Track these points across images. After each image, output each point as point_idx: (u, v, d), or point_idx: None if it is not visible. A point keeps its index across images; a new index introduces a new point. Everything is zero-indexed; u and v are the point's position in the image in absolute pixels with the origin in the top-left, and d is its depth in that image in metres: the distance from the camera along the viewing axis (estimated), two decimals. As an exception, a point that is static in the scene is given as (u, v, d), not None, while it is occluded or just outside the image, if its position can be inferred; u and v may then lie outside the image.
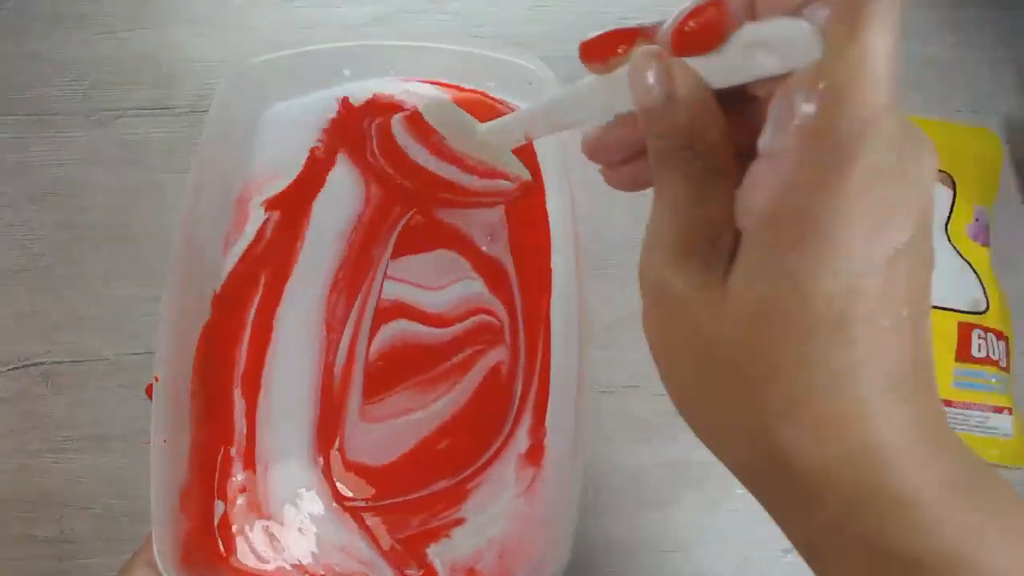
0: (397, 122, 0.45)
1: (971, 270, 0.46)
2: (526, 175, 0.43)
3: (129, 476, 0.43)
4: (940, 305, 0.45)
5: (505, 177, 0.44)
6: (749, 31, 0.19)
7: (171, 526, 0.36)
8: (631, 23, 0.24)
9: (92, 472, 0.43)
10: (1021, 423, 0.45)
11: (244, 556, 0.39)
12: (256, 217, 0.44)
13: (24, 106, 0.49)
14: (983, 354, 0.45)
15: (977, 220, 0.48)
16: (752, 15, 0.19)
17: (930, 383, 0.19)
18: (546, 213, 0.44)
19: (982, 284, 0.46)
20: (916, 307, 0.18)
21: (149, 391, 0.37)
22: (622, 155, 0.25)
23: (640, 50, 0.22)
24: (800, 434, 0.18)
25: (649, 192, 0.24)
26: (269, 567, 0.39)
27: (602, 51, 0.24)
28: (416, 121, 0.44)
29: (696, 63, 0.20)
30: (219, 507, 0.39)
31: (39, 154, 0.48)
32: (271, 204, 0.44)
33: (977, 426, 0.44)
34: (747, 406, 0.19)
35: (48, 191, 0.48)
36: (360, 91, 0.45)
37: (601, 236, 0.48)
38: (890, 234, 0.17)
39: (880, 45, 0.16)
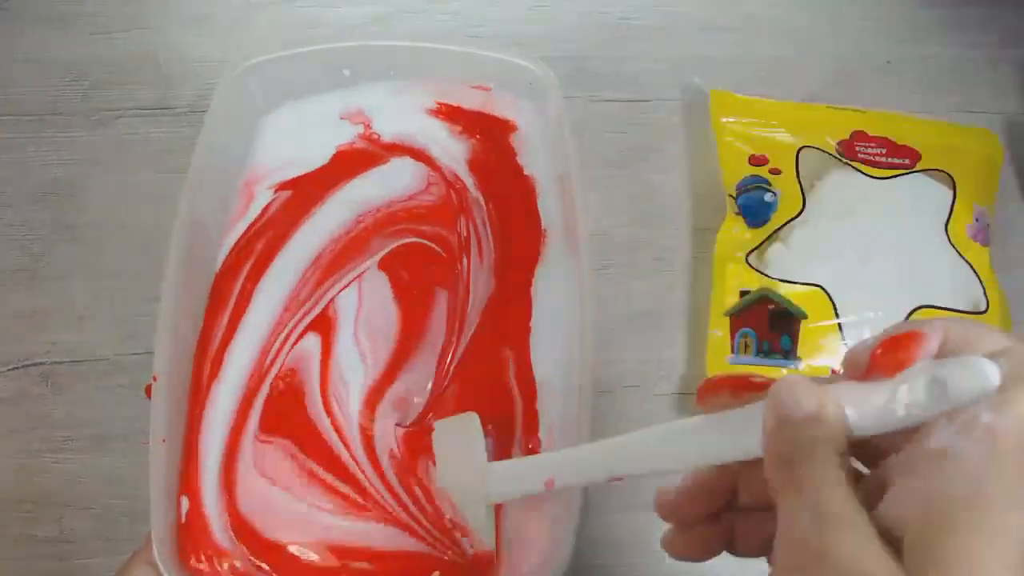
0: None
1: (971, 270, 0.46)
2: (488, 546, 0.36)
3: (129, 476, 0.43)
4: (940, 305, 0.45)
5: (464, 534, 0.38)
6: (931, 367, 0.20)
7: (171, 526, 0.36)
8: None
9: (92, 472, 0.43)
10: (1021, 423, 0.45)
11: (245, 555, 0.39)
12: (259, 203, 0.44)
13: (24, 106, 0.49)
14: (983, 354, 0.45)
15: (977, 220, 0.48)
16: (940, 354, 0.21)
17: None
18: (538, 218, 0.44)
19: (982, 284, 0.46)
20: None
21: (149, 391, 0.37)
22: (708, 510, 0.24)
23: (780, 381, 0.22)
24: None
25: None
26: (266, 565, 0.39)
27: (726, 388, 0.25)
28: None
29: (853, 393, 0.21)
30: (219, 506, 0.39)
31: (39, 154, 0.48)
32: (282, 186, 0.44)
33: (977, 426, 0.44)
34: None
35: (48, 191, 0.48)
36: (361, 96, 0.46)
37: (601, 236, 0.48)
38: None
39: None
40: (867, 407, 0.21)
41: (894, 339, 0.21)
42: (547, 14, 0.53)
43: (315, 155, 0.45)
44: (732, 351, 0.45)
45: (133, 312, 0.45)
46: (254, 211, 0.44)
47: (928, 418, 0.20)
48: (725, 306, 0.45)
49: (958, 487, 0.18)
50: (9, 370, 0.45)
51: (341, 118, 0.46)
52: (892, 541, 0.19)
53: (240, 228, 0.44)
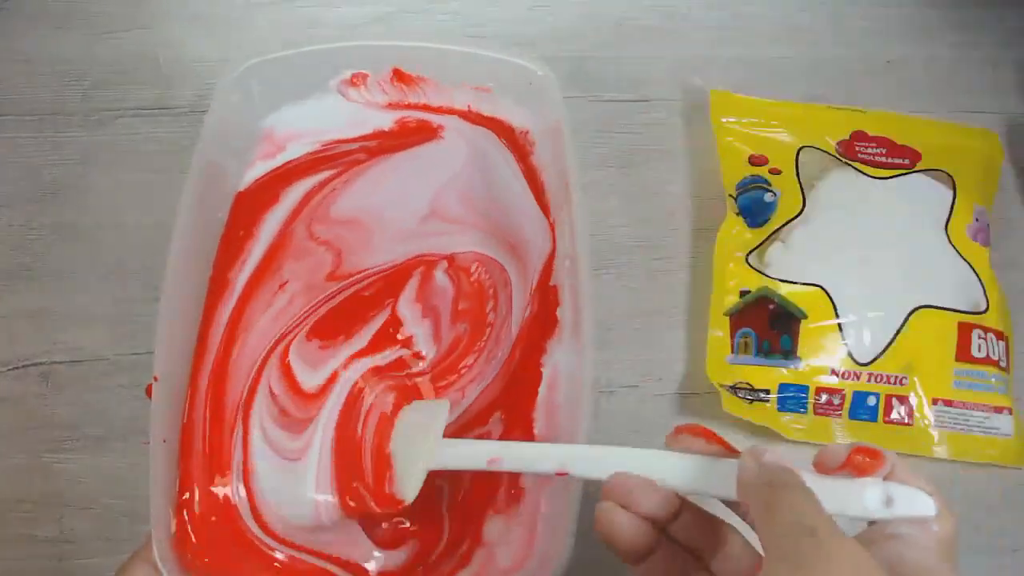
0: None
1: (971, 270, 0.46)
2: (404, 497, 0.35)
3: (129, 476, 0.43)
4: (940, 305, 0.45)
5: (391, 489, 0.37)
6: (890, 489, 0.27)
7: (171, 526, 0.36)
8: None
9: (92, 472, 0.43)
10: (1021, 423, 0.45)
11: (244, 555, 0.39)
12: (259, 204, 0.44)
13: (24, 106, 0.49)
14: (983, 354, 0.45)
15: (977, 220, 0.48)
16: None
17: None
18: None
19: (982, 284, 0.46)
20: None
21: (149, 391, 0.37)
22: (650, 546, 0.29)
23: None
24: None
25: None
26: (267, 567, 0.39)
27: (702, 435, 0.30)
28: None
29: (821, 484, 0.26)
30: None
31: (39, 154, 0.48)
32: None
33: (977, 426, 0.44)
34: None
35: (48, 191, 0.48)
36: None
37: (601, 236, 0.48)
38: None
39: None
40: (826, 490, 0.26)
41: (871, 449, 0.27)
42: (547, 14, 0.53)
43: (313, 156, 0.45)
44: (732, 351, 0.45)
45: (133, 312, 0.45)
46: (254, 212, 0.44)
47: (866, 519, 0.27)
48: (725, 306, 0.45)
49: (921, 558, 0.26)
50: (9, 370, 0.45)
51: (341, 118, 0.46)
52: None
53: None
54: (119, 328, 0.45)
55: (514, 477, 0.39)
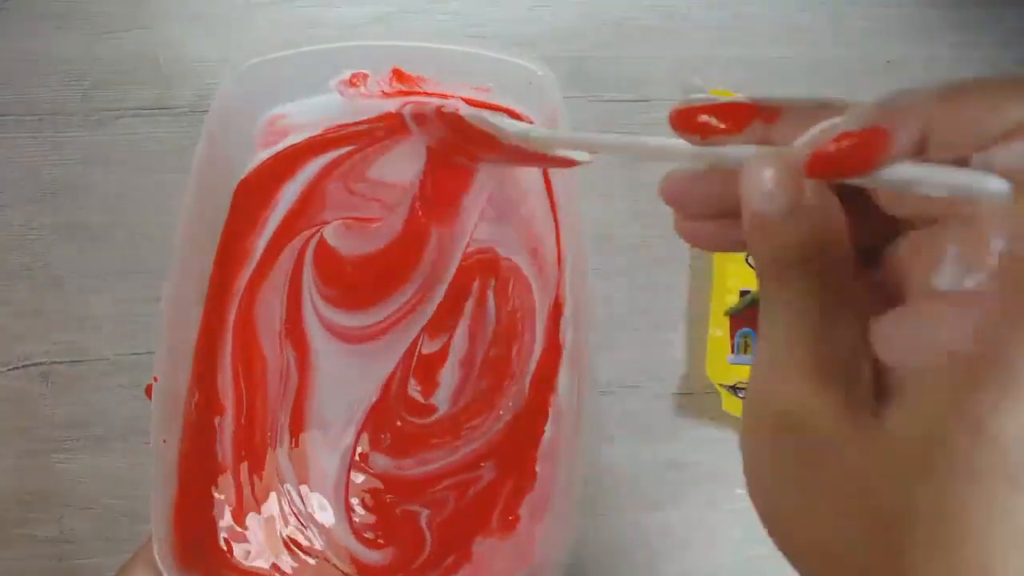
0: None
1: (971, 270, 0.46)
2: (585, 158, 0.33)
3: (129, 476, 0.43)
4: (940, 305, 0.45)
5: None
6: (917, 172, 0.17)
7: (171, 526, 0.36)
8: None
9: (92, 472, 0.43)
10: (1021, 423, 0.45)
11: (244, 555, 0.39)
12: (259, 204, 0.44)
13: (24, 106, 0.49)
14: (983, 354, 0.45)
15: (977, 220, 0.48)
16: (920, 151, 0.17)
17: None
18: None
19: (982, 284, 0.46)
20: None
21: (149, 391, 0.37)
22: (710, 211, 0.21)
23: (759, 150, 0.19)
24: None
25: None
26: (267, 567, 0.39)
27: (703, 127, 0.20)
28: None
29: None
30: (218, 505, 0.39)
31: (39, 154, 0.48)
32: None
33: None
34: (889, 548, 0.17)
35: (48, 191, 0.48)
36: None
37: (601, 236, 0.48)
38: None
39: None
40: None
41: (856, 133, 0.17)
42: (547, 14, 0.53)
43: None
44: (732, 351, 0.45)
45: (133, 312, 0.45)
46: (255, 212, 0.44)
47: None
48: (725, 306, 0.45)
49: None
50: (9, 370, 0.45)
51: (341, 118, 0.46)
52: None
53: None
54: (119, 328, 0.45)
55: (510, 502, 0.39)
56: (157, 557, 0.34)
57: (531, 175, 0.44)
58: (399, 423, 0.41)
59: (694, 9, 0.54)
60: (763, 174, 0.18)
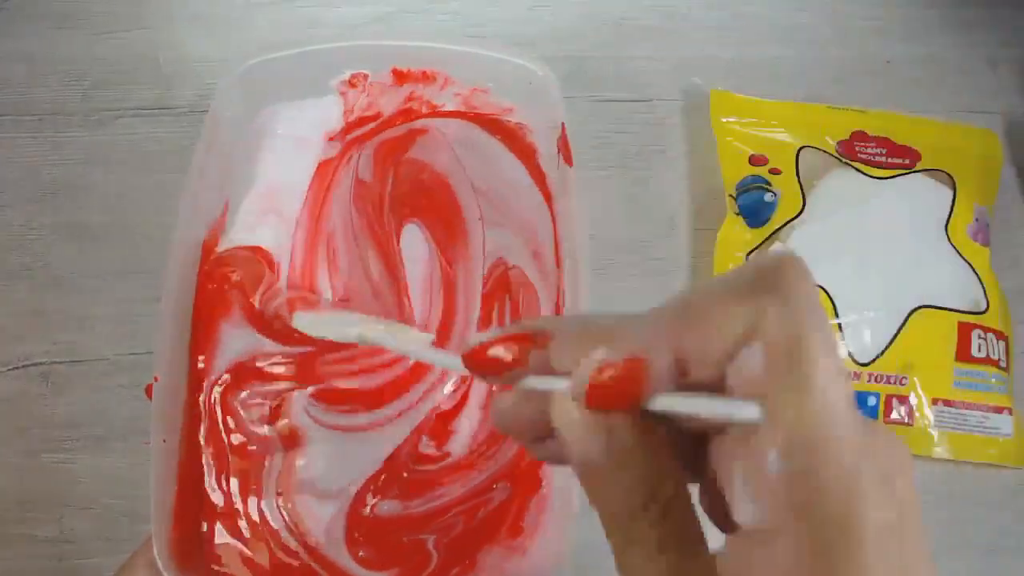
0: None
1: (971, 270, 0.46)
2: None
3: (129, 476, 0.43)
4: (940, 305, 0.45)
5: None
6: (681, 402, 0.17)
7: (171, 526, 0.36)
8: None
9: (92, 472, 0.43)
10: (1021, 423, 0.45)
11: (244, 555, 0.39)
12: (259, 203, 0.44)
13: (24, 106, 0.49)
14: (983, 354, 0.45)
15: (977, 220, 0.48)
16: (682, 372, 0.17)
17: None
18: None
19: (982, 284, 0.46)
20: None
21: (149, 391, 0.37)
22: (546, 431, 0.19)
23: (557, 399, 0.18)
24: None
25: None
26: (267, 566, 0.39)
27: (495, 364, 0.19)
28: None
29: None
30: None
31: (39, 154, 0.48)
32: None
33: (977, 426, 0.44)
34: None
35: (48, 191, 0.48)
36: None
37: (601, 236, 0.48)
38: None
39: (831, 388, 0.15)
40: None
41: (614, 363, 0.17)
42: (547, 14, 0.53)
43: (312, 158, 0.45)
44: (732, 351, 0.45)
45: (133, 312, 0.45)
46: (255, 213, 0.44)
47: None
48: (725, 306, 0.45)
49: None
50: (9, 370, 0.45)
51: (341, 118, 0.46)
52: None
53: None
54: (119, 328, 0.45)
55: (518, 514, 0.39)
56: (157, 557, 0.34)
57: (523, 177, 0.44)
58: (406, 475, 0.40)
59: (694, 9, 0.54)
60: (571, 418, 0.18)
